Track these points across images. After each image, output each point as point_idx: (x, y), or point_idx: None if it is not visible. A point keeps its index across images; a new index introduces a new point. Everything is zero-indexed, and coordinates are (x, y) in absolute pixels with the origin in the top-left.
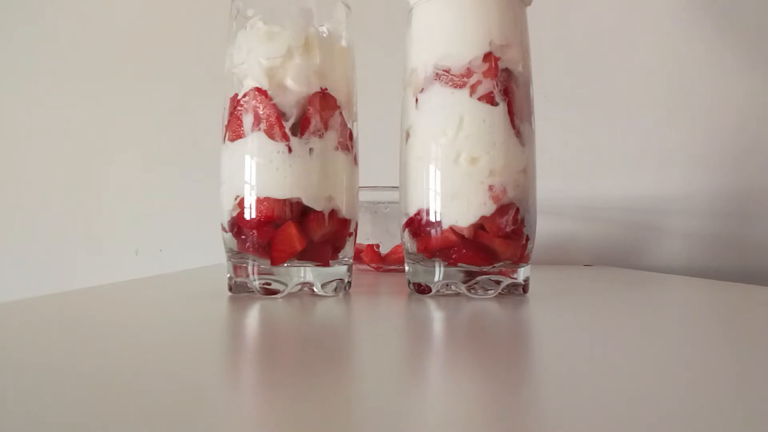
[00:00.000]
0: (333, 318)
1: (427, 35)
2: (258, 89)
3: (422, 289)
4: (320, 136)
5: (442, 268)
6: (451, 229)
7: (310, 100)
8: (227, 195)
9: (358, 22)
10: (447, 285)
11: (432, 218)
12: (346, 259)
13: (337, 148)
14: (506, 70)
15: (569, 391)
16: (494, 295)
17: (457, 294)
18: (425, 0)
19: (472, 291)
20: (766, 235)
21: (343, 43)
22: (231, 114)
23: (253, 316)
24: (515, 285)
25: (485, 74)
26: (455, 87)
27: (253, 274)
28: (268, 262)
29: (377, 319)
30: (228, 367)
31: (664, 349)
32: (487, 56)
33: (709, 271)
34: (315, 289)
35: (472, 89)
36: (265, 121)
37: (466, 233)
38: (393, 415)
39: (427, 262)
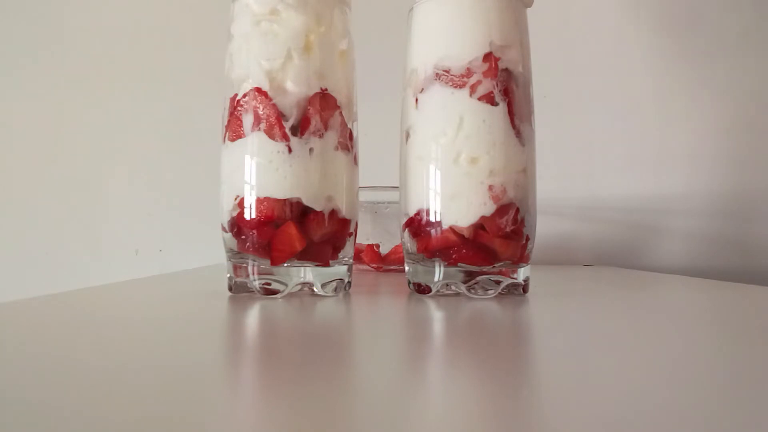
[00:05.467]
0: (333, 318)
1: (427, 35)
2: (258, 89)
3: (422, 289)
4: (320, 136)
5: (442, 268)
6: (451, 229)
7: (310, 100)
8: (227, 195)
9: (358, 22)
10: (447, 285)
11: (432, 218)
12: (346, 259)
13: (337, 148)
14: (506, 70)
15: (569, 391)
16: (494, 295)
17: (457, 294)
18: (425, 0)
19: (472, 291)
20: (766, 235)
21: (343, 43)
22: (231, 114)
23: (253, 316)
24: (515, 285)
25: (485, 74)
26: (455, 87)
27: (253, 274)
28: (268, 262)
29: (377, 319)
30: (228, 367)
31: (664, 349)
32: (487, 56)
33: (709, 271)
34: (315, 289)
35: (472, 89)
36: (265, 121)
37: (466, 233)
38: (393, 415)
39: (427, 262)
